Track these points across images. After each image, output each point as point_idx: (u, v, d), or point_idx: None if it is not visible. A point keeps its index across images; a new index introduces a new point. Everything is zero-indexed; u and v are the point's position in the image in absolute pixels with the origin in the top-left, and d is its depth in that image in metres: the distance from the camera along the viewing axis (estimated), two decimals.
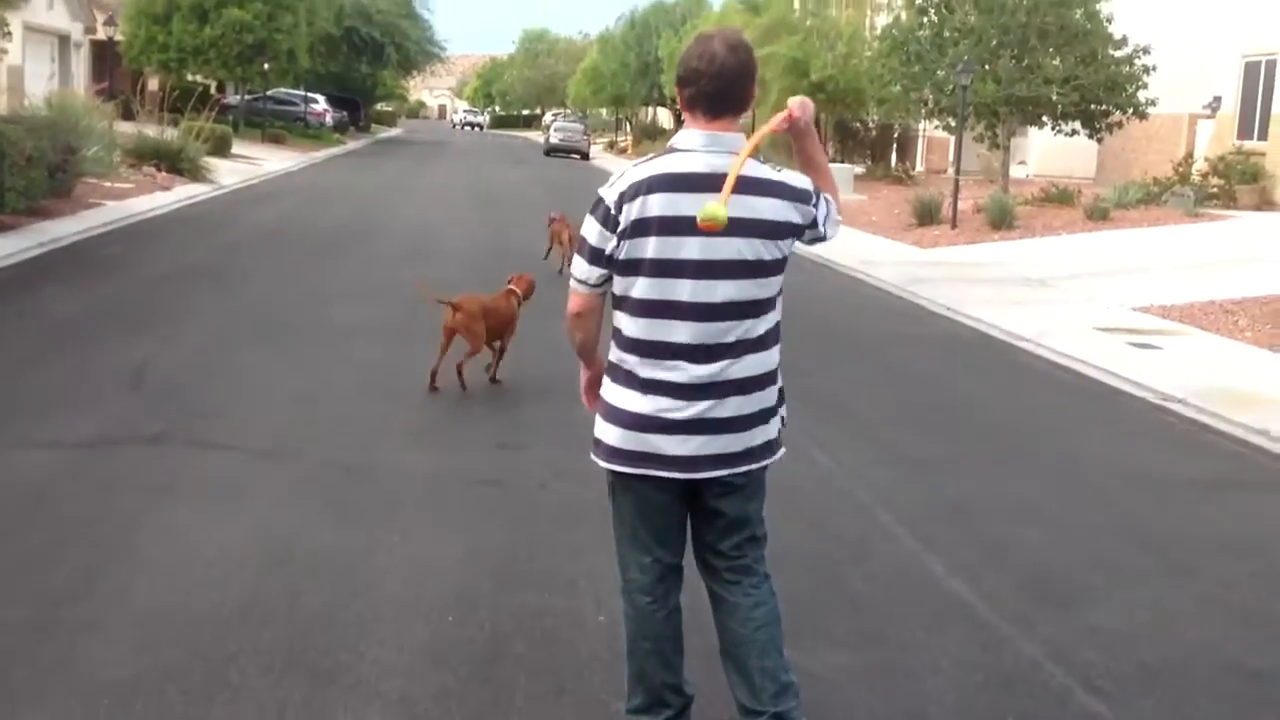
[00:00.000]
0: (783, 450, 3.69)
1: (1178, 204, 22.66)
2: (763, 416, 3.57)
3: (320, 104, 53.57)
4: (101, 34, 36.28)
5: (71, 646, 4.31)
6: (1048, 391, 10.03)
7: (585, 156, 55.20)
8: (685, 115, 3.53)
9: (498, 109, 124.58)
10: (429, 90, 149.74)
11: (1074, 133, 25.09)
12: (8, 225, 15.20)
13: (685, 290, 3.40)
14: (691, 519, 3.69)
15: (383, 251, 16.47)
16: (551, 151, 55.91)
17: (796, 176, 3.56)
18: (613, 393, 3.56)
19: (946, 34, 24.66)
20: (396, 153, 49.71)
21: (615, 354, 3.56)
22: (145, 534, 5.46)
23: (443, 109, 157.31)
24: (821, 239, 3.62)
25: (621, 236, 3.39)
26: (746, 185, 3.40)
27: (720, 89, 3.42)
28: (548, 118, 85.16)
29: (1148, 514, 6.72)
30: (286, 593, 4.90)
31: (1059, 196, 23.81)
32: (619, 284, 3.47)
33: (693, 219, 3.31)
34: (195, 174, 25.11)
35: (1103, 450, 8.05)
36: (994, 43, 23.75)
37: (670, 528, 3.67)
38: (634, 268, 3.42)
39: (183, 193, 22.65)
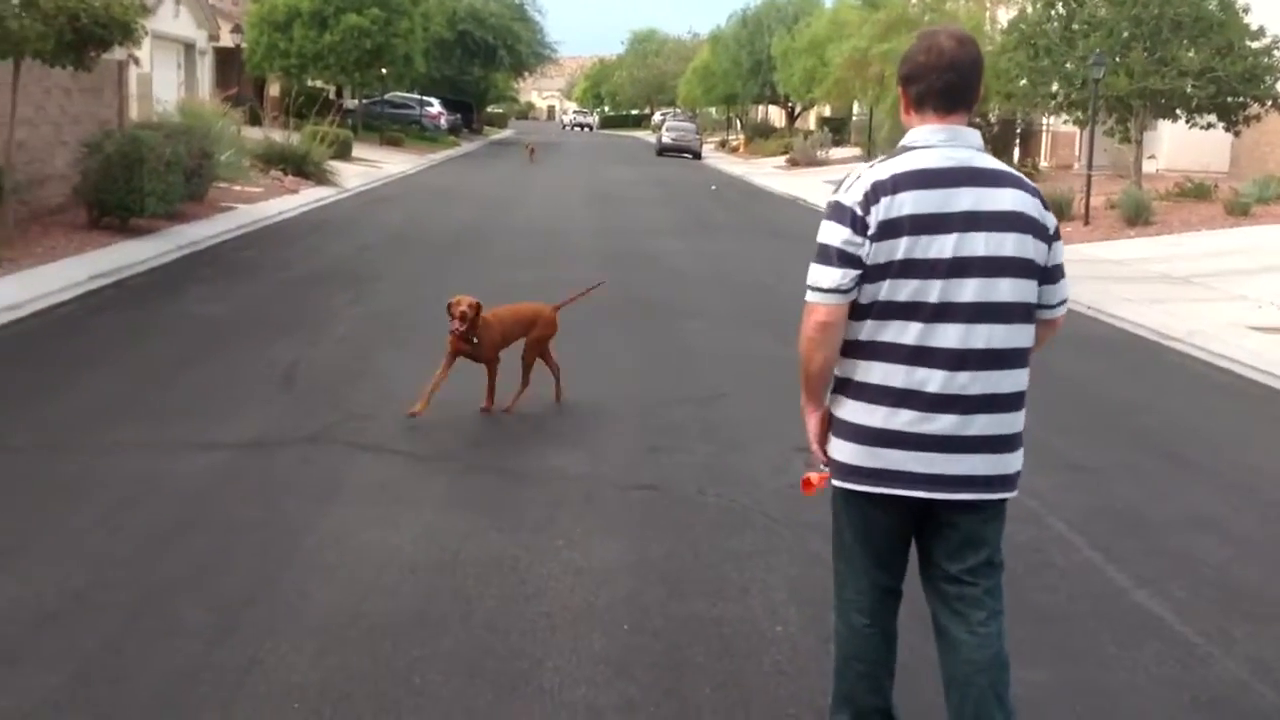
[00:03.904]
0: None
1: None
2: (1010, 442, 3.34)
3: (435, 107, 54.16)
4: (227, 41, 37.06)
5: (256, 651, 4.30)
6: (1205, 393, 9.68)
7: (697, 156, 55.12)
8: (911, 115, 3.37)
9: (607, 109, 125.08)
10: (538, 92, 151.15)
11: (1209, 126, 24.29)
12: (147, 229, 15.54)
13: (935, 291, 3.22)
14: (921, 535, 3.47)
15: (507, 252, 16.53)
16: (664, 151, 55.90)
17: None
18: (846, 407, 3.36)
19: (1076, 27, 24.05)
20: (510, 154, 50.03)
21: (847, 365, 3.35)
22: (314, 537, 5.46)
23: (551, 110, 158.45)
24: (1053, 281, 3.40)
25: (871, 239, 3.21)
26: (992, 177, 3.28)
27: (950, 82, 3.28)
28: (658, 117, 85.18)
29: None
30: (459, 598, 4.86)
31: (1195, 191, 23.12)
32: (862, 291, 3.25)
33: (944, 216, 3.20)
34: (320, 177, 25.51)
35: (1276, 456, 7.71)
36: (1125, 35, 23.09)
37: (892, 552, 3.48)
38: (881, 271, 3.22)
39: (310, 196, 23.00)
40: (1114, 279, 15.58)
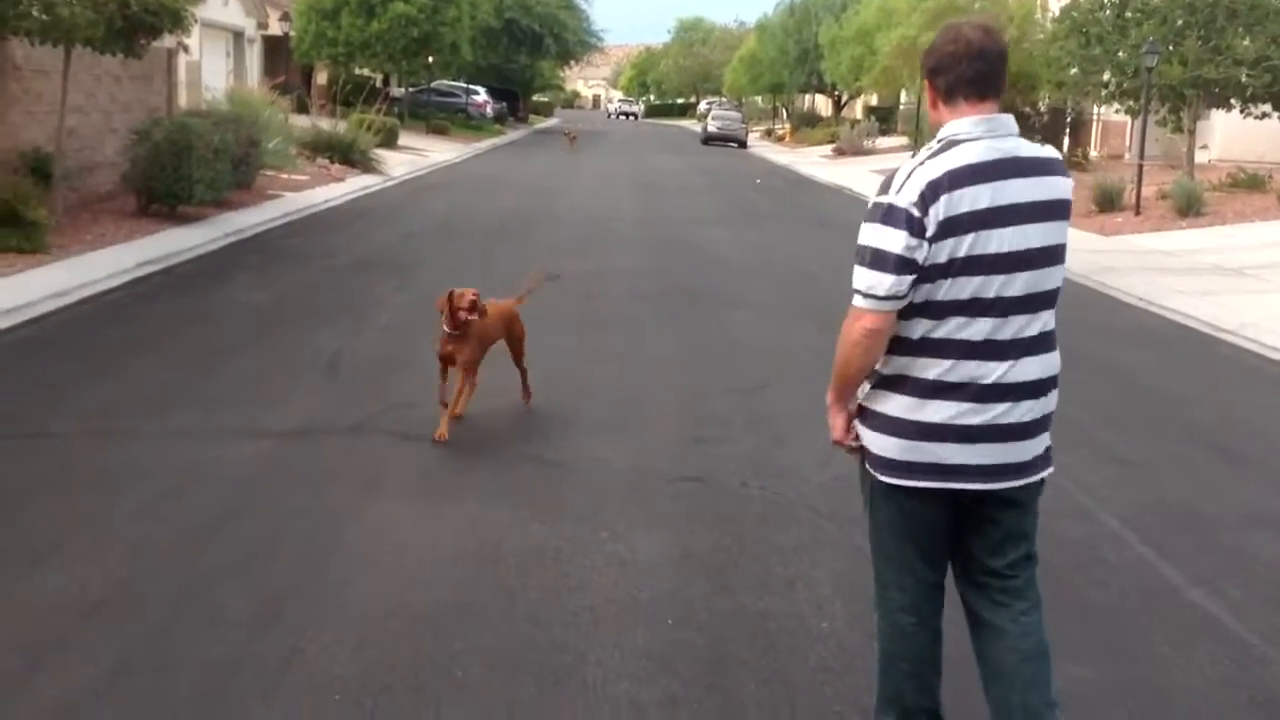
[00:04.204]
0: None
1: None
2: (1048, 422, 3.37)
3: (481, 95, 54.23)
4: (276, 29, 37.24)
5: (298, 641, 4.28)
6: (1260, 387, 9.51)
7: (743, 145, 54.93)
8: (942, 107, 3.29)
9: (652, 98, 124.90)
10: (584, 80, 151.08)
11: (1264, 116, 23.88)
12: (195, 216, 15.64)
13: (995, 285, 3.17)
14: (959, 532, 3.44)
15: (552, 241, 16.51)
16: (709, 140, 55.73)
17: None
18: (894, 403, 3.28)
19: (1128, 15, 23.70)
20: (555, 143, 50.02)
21: (897, 363, 3.27)
22: (356, 528, 5.45)
23: (597, 99, 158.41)
24: None
25: (930, 240, 3.12)
26: (1040, 166, 3.25)
27: (981, 70, 3.22)
28: (703, 106, 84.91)
29: None
30: (500, 590, 4.83)
31: (1248, 182, 22.75)
32: (917, 290, 3.17)
33: (1002, 209, 3.15)
34: (366, 165, 25.57)
35: None
36: (1179, 23, 22.72)
37: (937, 545, 3.43)
38: (943, 270, 3.15)
39: (356, 184, 23.06)
40: (1165, 270, 15.37)
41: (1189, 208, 20.19)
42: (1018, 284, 3.18)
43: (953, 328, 3.19)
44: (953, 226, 3.12)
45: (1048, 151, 3.32)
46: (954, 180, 3.13)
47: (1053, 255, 3.24)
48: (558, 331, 10.17)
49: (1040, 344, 3.27)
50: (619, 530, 5.54)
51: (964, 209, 3.12)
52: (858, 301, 3.21)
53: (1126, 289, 13.95)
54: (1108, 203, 21.40)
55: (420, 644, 4.33)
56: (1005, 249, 3.16)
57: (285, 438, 6.78)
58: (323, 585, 4.80)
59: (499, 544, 5.31)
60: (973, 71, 3.21)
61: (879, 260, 3.15)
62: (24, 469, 6.11)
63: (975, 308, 3.17)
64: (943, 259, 3.14)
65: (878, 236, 3.16)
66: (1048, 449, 3.39)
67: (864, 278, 3.17)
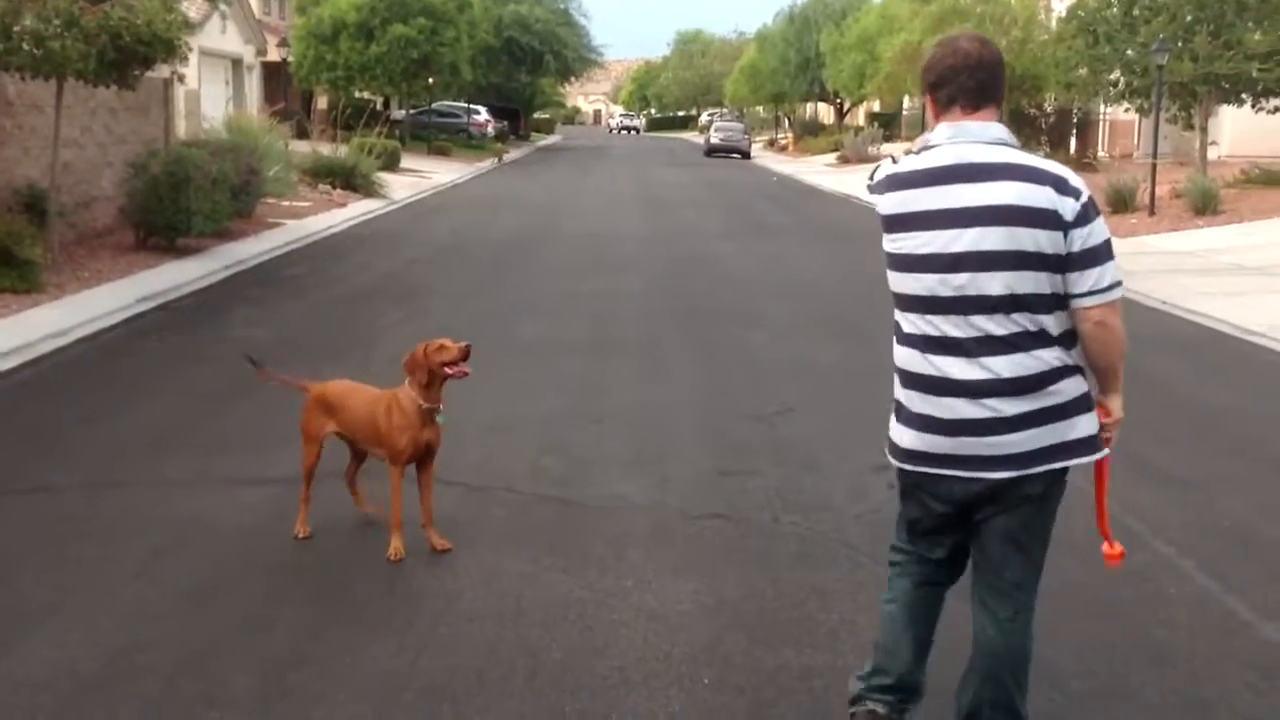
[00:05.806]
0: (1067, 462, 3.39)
1: None
2: (1019, 424, 3.29)
3: (482, 115, 54.06)
4: (275, 55, 37.02)
5: (304, 719, 3.94)
6: None
7: (746, 156, 54.69)
8: (940, 118, 3.41)
9: (653, 111, 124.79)
10: (584, 96, 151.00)
11: (1276, 110, 23.55)
12: (195, 248, 15.36)
13: (928, 283, 3.33)
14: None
15: (560, 262, 16.20)
16: (712, 152, 55.49)
17: (1051, 163, 3.34)
18: (897, 390, 3.57)
19: (1136, 13, 23.40)
20: (558, 160, 49.80)
21: (896, 353, 3.56)
22: (364, 583, 5.11)
23: (598, 114, 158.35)
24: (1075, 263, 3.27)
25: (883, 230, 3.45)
26: (985, 172, 3.26)
27: (982, 81, 3.35)
28: (705, 118, 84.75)
29: None
30: (523, 651, 4.48)
31: (1263, 178, 22.40)
32: (889, 279, 3.49)
33: (926, 214, 3.30)
34: (369, 190, 25.30)
35: None
36: (1188, 19, 22.43)
37: (921, 528, 3.64)
38: (889, 262, 3.46)
39: (358, 209, 22.79)
40: (1186, 271, 15.02)
41: (1205, 206, 19.85)
42: (949, 285, 3.29)
43: (912, 322, 3.41)
44: (888, 224, 3.43)
45: (1016, 158, 3.28)
46: (892, 183, 3.42)
47: (990, 260, 3.23)
48: (568, 357, 9.86)
49: (984, 347, 3.28)
50: (645, 578, 5.19)
51: (890, 210, 3.40)
52: None
53: (1149, 292, 13.58)
54: (1121, 204, 21.06)
55: (437, 716, 3.98)
56: (941, 250, 3.28)
57: (288, 484, 6.42)
58: (327, 653, 4.44)
59: (519, 598, 4.97)
60: (974, 82, 3.34)
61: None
62: (21, 527, 5.80)
63: (921, 304, 3.36)
64: (886, 250, 3.47)
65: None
66: (1038, 450, 3.32)
67: None
